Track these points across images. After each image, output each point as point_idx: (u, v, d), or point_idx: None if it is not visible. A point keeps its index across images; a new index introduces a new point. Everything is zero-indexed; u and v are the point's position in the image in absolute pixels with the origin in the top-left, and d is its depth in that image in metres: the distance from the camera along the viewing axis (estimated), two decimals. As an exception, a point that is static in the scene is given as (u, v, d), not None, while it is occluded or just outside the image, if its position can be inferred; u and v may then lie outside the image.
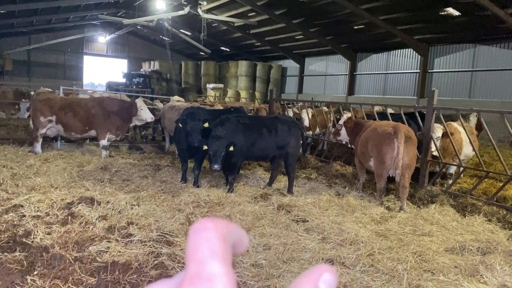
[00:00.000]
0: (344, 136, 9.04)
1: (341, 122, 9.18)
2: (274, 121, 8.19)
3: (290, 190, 7.93)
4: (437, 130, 8.59)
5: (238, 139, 7.30)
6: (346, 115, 9.45)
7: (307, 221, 6.07)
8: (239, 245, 0.51)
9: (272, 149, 7.91)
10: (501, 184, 8.03)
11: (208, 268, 0.43)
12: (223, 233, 0.46)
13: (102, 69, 47.13)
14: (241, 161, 8.20)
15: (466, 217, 6.62)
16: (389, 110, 10.28)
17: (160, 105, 13.67)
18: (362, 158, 7.87)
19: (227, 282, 0.43)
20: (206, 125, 7.46)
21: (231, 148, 6.99)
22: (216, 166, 6.95)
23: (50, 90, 16.74)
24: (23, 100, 14.83)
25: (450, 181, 8.74)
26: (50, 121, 10.05)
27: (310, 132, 12.78)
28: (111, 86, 33.72)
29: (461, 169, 8.67)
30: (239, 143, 7.26)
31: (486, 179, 8.80)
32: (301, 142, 8.53)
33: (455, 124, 8.99)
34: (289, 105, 15.20)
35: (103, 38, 43.07)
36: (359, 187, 8.33)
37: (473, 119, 10.98)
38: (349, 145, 9.29)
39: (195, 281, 0.42)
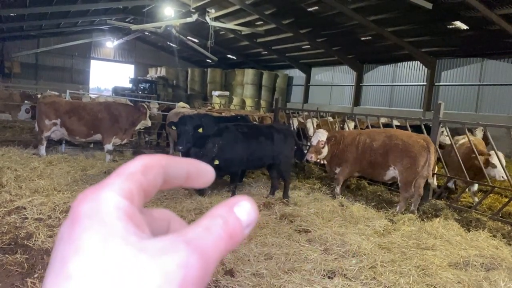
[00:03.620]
0: (325, 153, 8.52)
1: (321, 138, 8.42)
2: (269, 129, 8.26)
3: (285, 195, 8.03)
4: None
5: (235, 148, 7.37)
6: (321, 132, 8.65)
7: (310, 231, 6.03)
8: (194, 176, 0.48)
9: (267, 157, 7.96)
10: (506, 200, 7.96)
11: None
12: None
13: (109, 74, 47.35)
14: (240, 169, 8.16)
15: (471, 232, 6.54)
16: (395, 122, 10.23)
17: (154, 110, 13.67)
18: (372, 167, 8.00)
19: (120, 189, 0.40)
20: (200, 130, 7.53)
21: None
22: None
23: (56, 93, 16.81)
24: (25, 102, 14.86)
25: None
26: (55, 124, 10.07)
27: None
28: (117, 91, 33.84)
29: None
30: (237, 152, 7.37)
31: (491, 194, 8.72)
32: (296, 149, 8.77)
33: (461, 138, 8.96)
34: (294, 115, 15.20)
35: (110, 43, 43.29)
36: (338, 192, 8.57)
37: (479, 133, 10.92)
38: (321, 162, 8.85)
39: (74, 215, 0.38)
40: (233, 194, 7.65)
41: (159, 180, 0.45)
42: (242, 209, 0.43)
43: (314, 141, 8.48)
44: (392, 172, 7.90)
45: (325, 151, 8.43)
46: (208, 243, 0.39)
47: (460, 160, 8.19)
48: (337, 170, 8.56)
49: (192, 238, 0.39)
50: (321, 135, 8.45)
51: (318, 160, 8.68)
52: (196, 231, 0.40)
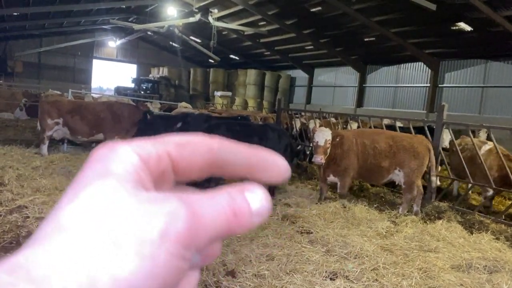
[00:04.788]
0: (327, 154, 7.48)
1: (328, 138, 7.39)
2: (263, 128, 8.24)
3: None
4: None
5: None
6: (326, 130, 7.61)
7: (312, 232, 6.00)
8: (259, 168, 0.44)
9: None
10: (510, 202, 7.91)
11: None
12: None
13: (111, 74, 47.44)
14: None
15: (474, 235, 6.51)
16: (398, 124, 10.20)
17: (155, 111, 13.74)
18: (373, 171, 7.80)
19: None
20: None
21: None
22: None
23: (59, 92, 16.84)
24: (23, 100, 14.89)
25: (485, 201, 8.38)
26: (57, 123, 10.08)
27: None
28: (119, 91, 33.89)
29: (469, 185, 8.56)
30: None
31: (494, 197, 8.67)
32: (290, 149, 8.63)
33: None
34: (297, 115, 15.17)
35: (113, 43, 43.36)
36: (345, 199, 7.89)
37: (482, 135, 10.88)
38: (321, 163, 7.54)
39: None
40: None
41: (197, 159, 0.42)
42: (255, 195, 0.40)
43: (320, 141, 7.37)
44: (394, 175, 7.79)
45: (328, 151, 7.49)
46: (206, 207, 0.37)
47: (464, 162, 8.14)
48: (330, 177, 7.82)
49: (189, 198, 0.37)
50: (327, 134, 7.46)
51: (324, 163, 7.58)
52: (197, 195, 0.38)
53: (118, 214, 0.34)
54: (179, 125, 8.14)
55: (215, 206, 0.37)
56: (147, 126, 8.44)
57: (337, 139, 7.53)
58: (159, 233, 0.34)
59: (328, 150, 7.44)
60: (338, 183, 7.85)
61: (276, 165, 0.45)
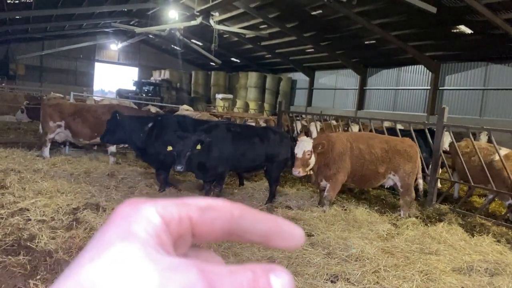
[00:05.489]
0: (312, 164, 7.23)
1: (306, 148, 7.06)
2: (263, 131, 8.20)
3: (269, 200, 7.83)
4: None
5: (223, 147, 7.31)
6: (305, 140, 7.30)
7: (313, 235, 6.00)
8: (276, 236, 0.44)
9: (257, 159, 7.84)
10: None
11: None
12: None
13: (113, 77, 47.47)
14: (227, 171, 7.99)
15: (475, 237, 6.50)
16: (399, 126, 10.21)
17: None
18: (367, 176, 7.73)
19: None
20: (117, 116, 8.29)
21: (199, 146, 6.70)
22: (179, 168, 6.64)
23: (60, 95, 16.88)
24: (26, 102, 14.93)
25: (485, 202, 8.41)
26: (59, 126, 10.11)
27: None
28: (121, 94, 33.92)
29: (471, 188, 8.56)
30: (224, 151, 7.27)
31: (495, 199, 8.66)
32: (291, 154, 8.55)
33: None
34: (298, 118, 15.19)
35: (115, 46, 43.37)
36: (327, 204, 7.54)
37: (483, 138, 10.88)
38: (308, 173, 7.33)
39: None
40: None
41: (218, 225, 0.43)
42: (279, 280, 0.38)
43: (299, 153, 7.06)
44: (388, 179, 7.77)
45: (312, 161, 7.18)
46: (225, 284, 0.36)
47: (464, 164, 8.13)
48: (323, 183, 7.53)
49: (211, 271, 0.36)
50: (306, 144, 7.11)
51: (307, 173, 7.37)
52: (219, 269, 0.37)
53: (137, 282, 0.34)
54: (149, 125, 8.04)
55: (235, 284, 0.36)
56: (117, 126, 8.29)
57: (320, 148, 7.13)
58: None
59: (310, 161, 7.14)
60: (328, 185, 7.47)
61: (292, 234, 0.46)
